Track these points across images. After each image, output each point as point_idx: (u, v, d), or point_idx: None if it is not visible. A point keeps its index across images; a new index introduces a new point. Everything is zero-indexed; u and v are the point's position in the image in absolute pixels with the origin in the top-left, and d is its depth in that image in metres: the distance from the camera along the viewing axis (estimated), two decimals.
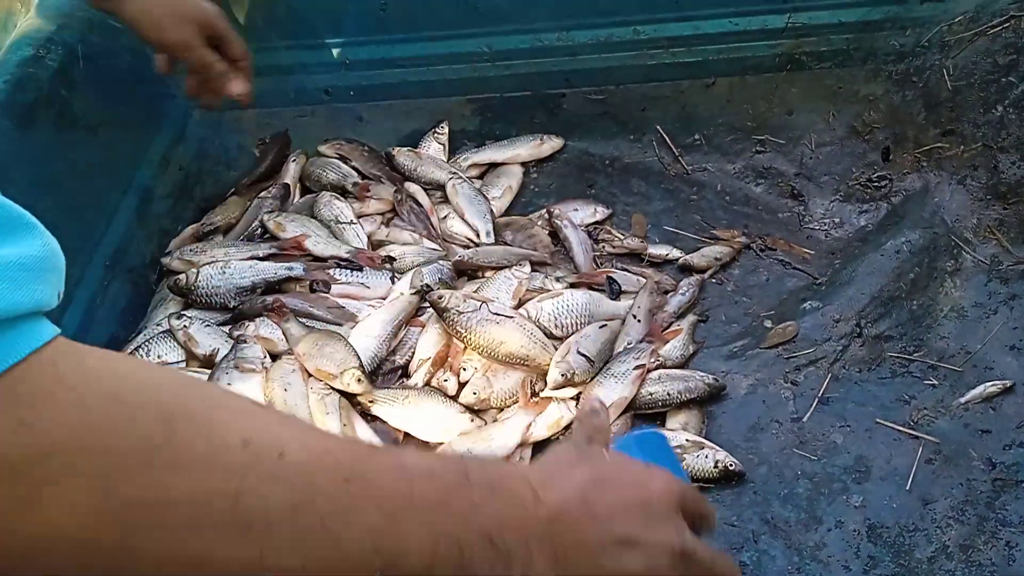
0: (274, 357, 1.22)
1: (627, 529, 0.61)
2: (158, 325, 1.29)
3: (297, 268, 1.33)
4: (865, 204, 1.41)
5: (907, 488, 1.03)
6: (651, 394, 1.17)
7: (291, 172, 1.55)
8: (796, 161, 1.48)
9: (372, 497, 0.51)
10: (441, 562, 0.52)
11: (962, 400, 1.10)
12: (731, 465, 1.08)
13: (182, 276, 1.31)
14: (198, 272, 1.30)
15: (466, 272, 1.37)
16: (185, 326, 1.24)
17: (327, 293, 1.32)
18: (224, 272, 1.30)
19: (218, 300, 1.30)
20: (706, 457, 1.09)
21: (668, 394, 1.17)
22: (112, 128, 1.30)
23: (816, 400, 1.15)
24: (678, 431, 1.14)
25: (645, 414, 1.18)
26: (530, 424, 1.13)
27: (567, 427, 1.17)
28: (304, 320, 1.25)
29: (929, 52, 1.40)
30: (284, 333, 1.23)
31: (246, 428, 0.48)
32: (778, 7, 1.48)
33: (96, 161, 1.26)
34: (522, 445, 1.13)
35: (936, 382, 1.14)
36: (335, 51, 1.58)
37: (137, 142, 1.38)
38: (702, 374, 1.19)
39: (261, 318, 1.26)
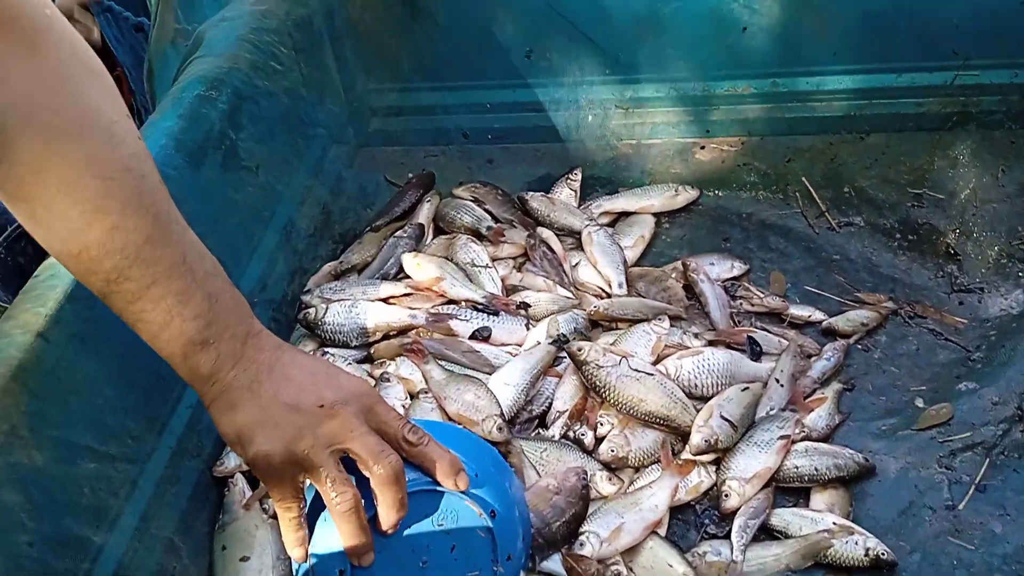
0: (412, 396, 1.23)
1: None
2: None
3: (419, 317, 1.33)
4: None
5: None
6: (796, 467, 1.13)
7: (425, 212, 1.58)
8: (956, 218, 1.40)
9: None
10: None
11: None
12: (883, 553, 1.03)
13: (311, 310, 1.34)
14: (327, 308, 1.33)
15: (600, 322, 1.36)
16: None
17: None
18: (351, 312, 1.33)
19: (341, 338, 1.32)
20: (856, 544, 1.04)
21: (816, 469, 1.13)
22: (268, 167, 1.34)
23: (973, 487, 1.09)
24: (824, 512, 1.09)
25: (788, 487, 1.14)
26: (676, 487, 1.10)
27: (706, 492, 1.14)
28: (442, 363, 1.27)
29: None
30: (424, 375, 1.25)
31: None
32: (946, 63, 1.41)
33: (252, 201, 1.30)
34: None
35: None
36: (475, 94, 1.61)
37: (285, 180, 1.42)
38: (851, 451, 1.14)
39: (401, 358, 1.28)
